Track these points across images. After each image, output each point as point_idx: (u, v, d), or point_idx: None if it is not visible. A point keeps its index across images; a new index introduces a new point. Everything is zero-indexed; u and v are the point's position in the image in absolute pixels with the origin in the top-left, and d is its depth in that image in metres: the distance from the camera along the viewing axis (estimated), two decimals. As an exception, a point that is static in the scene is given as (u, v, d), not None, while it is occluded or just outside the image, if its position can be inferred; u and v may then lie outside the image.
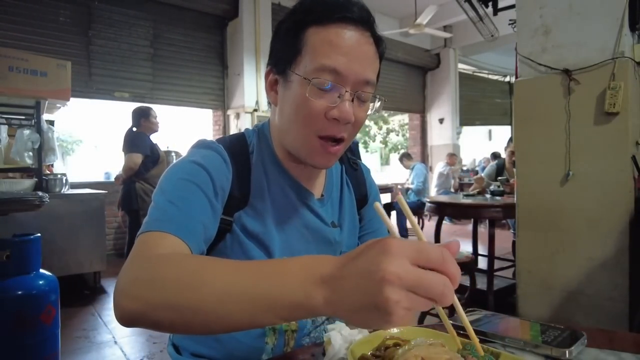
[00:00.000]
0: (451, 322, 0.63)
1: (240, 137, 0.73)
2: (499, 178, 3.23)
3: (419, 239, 0.37)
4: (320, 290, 0.35)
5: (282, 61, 0.64)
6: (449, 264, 0.34)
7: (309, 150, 0.64)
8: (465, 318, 0.41)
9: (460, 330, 0.61)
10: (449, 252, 0.35)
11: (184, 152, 0.75)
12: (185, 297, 0.41)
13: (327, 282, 0.36)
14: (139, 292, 0.44)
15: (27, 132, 2.68)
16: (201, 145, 0.68)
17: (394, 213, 5.56)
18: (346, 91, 0.60)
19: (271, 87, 0.68)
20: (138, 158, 3.15)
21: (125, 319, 0.44)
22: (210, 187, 0.62)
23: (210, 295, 0.40)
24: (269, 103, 0.71)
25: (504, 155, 3.66)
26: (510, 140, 3.38)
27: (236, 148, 0.70)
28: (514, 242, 2.77)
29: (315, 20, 0.61)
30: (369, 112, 0.66)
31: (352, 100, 0.61)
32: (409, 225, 5.65)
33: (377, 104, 0.67)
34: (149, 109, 3.37)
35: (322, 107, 0.61)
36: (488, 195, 3.01)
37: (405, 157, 5.91)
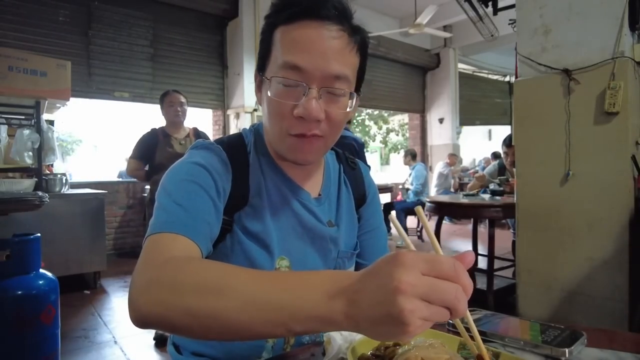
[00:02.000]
0: (451, 321, 0.63)
1: (238, 137, 0.73)
2: (500, 177, 3.23)
3: (436, 252, 0.38)
4: (341, 305, 0.36)
5: (259, 62, 0.66)
6: (461, 277, 0.34)
7: (285, 148, 0.65)
8: (472, 321, 0.42)
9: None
10: (462, 263, 0.35)
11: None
12: (207, 303, 0.41)
13: (346, 296, 0.36)
14: (158, 295, 0.43)
15: (26, 132, 2.68)
16: (200, 146, 0.69)
17: (393, 212, 5.57)
18: (310, 88, 0.60)
19: (259, 89, 0.69)
20: (131, 163, 2.82)
21: (142, 321, 0.44)
22: (213, 188, 0.62)
23: (233, 303, 0.40)
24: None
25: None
26: (504, 142, 3.36)
27: (234, 148, 0.70)
28: (513, 242, 2.77)
29: (283, 20, 0.61)
30: (349, 108, 0.64)
31: (320, 97, 0.61)
32: (408, 225, 5.63)
33: (355, 99, 0.65)
34: (166, 92, 2.79)
35: (287, 106, 0.61)
36: (487, 195, 3.01)
37: (410, 155, 5.93)
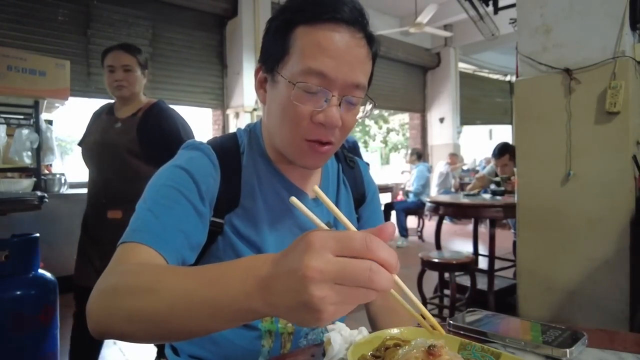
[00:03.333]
0: (452, 322, 0.63)
1: (232, 137, 0.72)
2: (502, 176, 3.23)
3: (347, 229, 0.37)
4: (259, 292, 0.35)
5: (270, 60, 0.63)
6: (375, 251, 0.32)
7: (297, 152, 0.64)
8: (414, 298, 0.44)
9: (460, 331, 0.61)
10: (380, 237, 0.33)
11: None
12: (141, 306, 0.42)
13: (263, 282, 0.35)
14: (104, 303, 0.45)
15: (25, 131, 2.67)
16: (189, 146, 0.68)
17: (394, 213, 5.57)
18: (333, 95, 0.59)
19: (260, 85, 0.67)
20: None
21: (95, 331, 0.46)
22: (195, 192, 0.61)
23: (162, 304, 0.41)
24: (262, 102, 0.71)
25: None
26: (493, 153, 3.38)
27: (226, 149, 0.69)
28: (514, 242, 2.77)
29: (305, 20, 0.59)
30: (360, 115, 0.65)
31: (340, 105, 0.60)
32: (409, 225, 5.63)
33: (368, 107, 0.65)
34: (107, 50, 1.73)
35: (307, 112, 0.60)
36: (488, 195, 3.00)
37: (415, 154, 6.00)
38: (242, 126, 0.77)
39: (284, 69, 0.60)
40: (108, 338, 0.46)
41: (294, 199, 0.38)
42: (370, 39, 0.62)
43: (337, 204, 0.78)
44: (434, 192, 6.77)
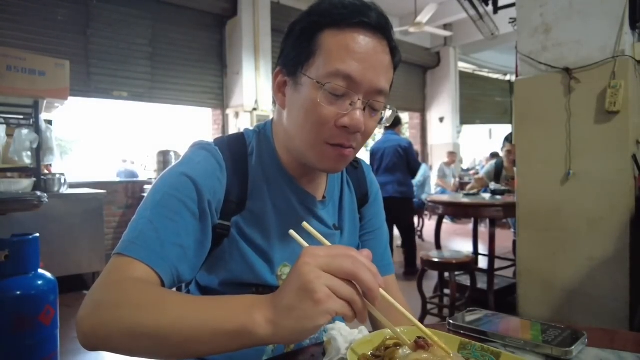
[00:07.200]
0: (451, 321, 0.63)
1: (239, 137, 0.71)
2: (501, 176, 3.22)
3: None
4: (262, 312, 0.41)
5: (293, 62, 0.62)
6: (354, 254, 0.42)
7: (318, 156, 0.63)
8: (387, 295, 0.47)
9: (460, 330, 0.61)
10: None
11: (182, 152, 0.74)
12: (144, 322, 0.43)
13: (267, 303, 0.42)
14: (102, 316, 0.45)
15: (25, 131, 2.67)
16: (197, 146, 0.67)
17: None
18: (358, 99, 0.58)
19: (279, 89, 0.66)
20: None
21: (87, 343, 0.46)
22: (196, 202, 0.60)
23: (166, 321, 0.43)
24: (274, 103, 0.69)
25: (501, 154, 3.65)
26: (506, 139, 3.36)
27: (234, 149, 0.68)
28: (514, 242, 2.77)
29: (332, 23, 0.58)
30: (381, 121, 0.65)
31: (364, 109, 0.60)
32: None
33: (388, 113, 0.65)
34: None
35: (332, 114, 0.59)
36: (488, 195, 3.00)
37: (416, 153, 6.06)
38: (242, 126, 0.77)
39: (309, 71, 0.60)
40: (100, 350, 0.46)
41: (292, 233, 0.48)
42: (393, 49, 0.63)
43: (340, 205, 0.77)
44: (434, 191, 6.77)
